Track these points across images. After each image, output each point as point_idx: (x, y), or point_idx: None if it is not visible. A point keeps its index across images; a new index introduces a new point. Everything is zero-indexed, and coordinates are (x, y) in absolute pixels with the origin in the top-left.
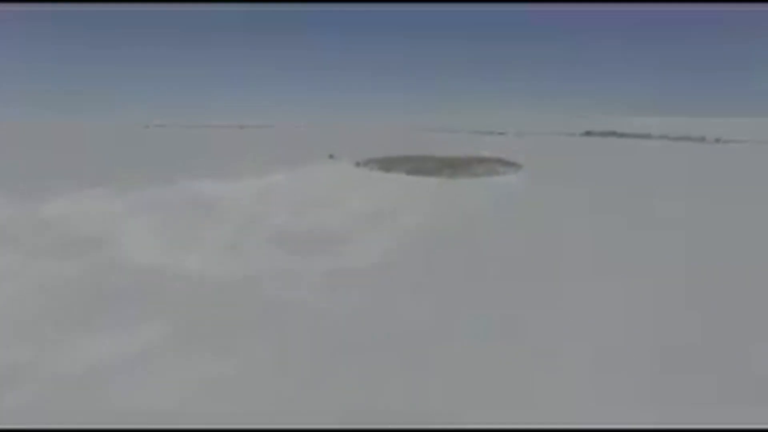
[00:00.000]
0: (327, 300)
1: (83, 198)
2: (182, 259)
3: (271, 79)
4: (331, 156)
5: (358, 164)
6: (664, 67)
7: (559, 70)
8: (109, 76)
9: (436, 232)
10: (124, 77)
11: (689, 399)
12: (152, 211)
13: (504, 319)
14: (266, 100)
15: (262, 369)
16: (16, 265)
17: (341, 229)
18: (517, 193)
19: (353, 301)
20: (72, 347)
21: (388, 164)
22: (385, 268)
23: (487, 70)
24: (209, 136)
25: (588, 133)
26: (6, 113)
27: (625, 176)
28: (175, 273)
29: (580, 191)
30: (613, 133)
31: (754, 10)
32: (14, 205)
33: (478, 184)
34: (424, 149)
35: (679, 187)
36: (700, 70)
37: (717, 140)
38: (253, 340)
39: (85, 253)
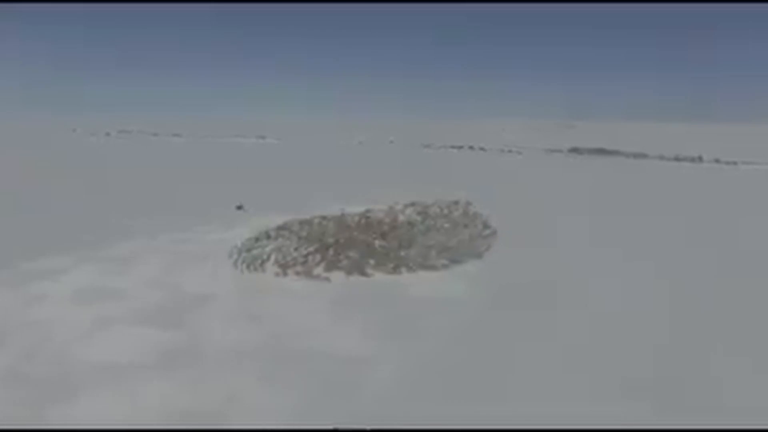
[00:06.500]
0: None
1: None
2: None
3: (267, 79)
4: (239, 207)
5: (266, 236)
6: (654, 69)
7: (548, 70)
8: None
9: None
10: (101, 77)
11: None
12: None
13: None
14: (261, 101)
15: None
16: None
17: None
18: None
19: None
20: None
21: (308, 243)
22: None
23: (471, 69)
24: (156, 150)
25: (575, 150)
26: None
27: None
28: None
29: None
30: (602, 151)
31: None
32: None
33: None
34: (390, 185)
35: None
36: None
37: (716, 161)
38: None
39: None
